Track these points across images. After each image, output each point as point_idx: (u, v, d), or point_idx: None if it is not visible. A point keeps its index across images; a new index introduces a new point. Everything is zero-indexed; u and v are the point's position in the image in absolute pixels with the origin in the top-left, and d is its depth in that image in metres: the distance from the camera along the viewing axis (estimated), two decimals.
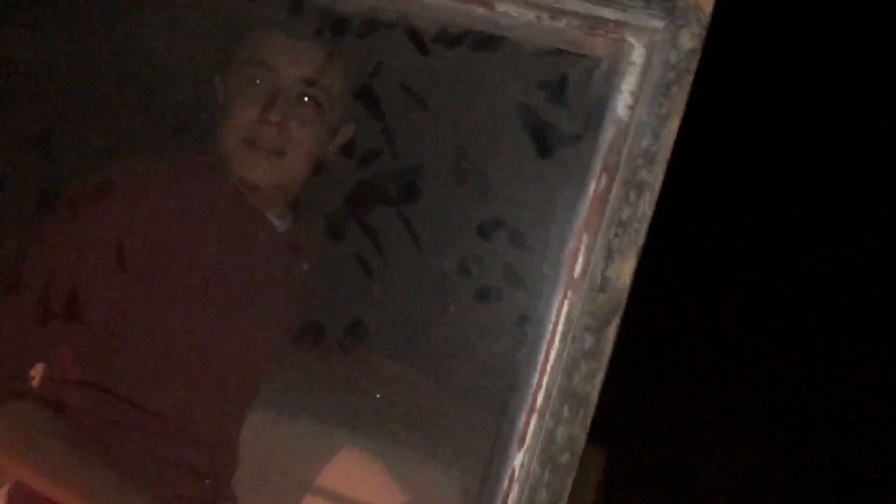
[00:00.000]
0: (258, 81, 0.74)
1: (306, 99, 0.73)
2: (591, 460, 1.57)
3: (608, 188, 0.59)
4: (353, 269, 0.64)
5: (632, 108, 0.58)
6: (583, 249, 0.60)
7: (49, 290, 0.67)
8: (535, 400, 0.60)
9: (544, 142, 0.59)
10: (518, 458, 0.60)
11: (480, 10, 0.62)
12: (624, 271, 0.59)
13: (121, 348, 0.73)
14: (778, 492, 2.58)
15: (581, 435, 0.60)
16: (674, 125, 0.58)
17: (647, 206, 0.59)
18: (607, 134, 0.59)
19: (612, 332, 0.59)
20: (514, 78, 0.59)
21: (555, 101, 0.59)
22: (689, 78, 0.57)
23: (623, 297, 0.59)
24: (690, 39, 0.57)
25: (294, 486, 1.03)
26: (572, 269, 0.60)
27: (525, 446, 0.60)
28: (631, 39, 0.59)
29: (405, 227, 0.62)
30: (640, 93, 0.58)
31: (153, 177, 0.72)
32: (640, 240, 0.58)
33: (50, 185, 0.67)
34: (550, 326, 0.60)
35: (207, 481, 0.80)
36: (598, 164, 0.59)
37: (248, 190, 0.75)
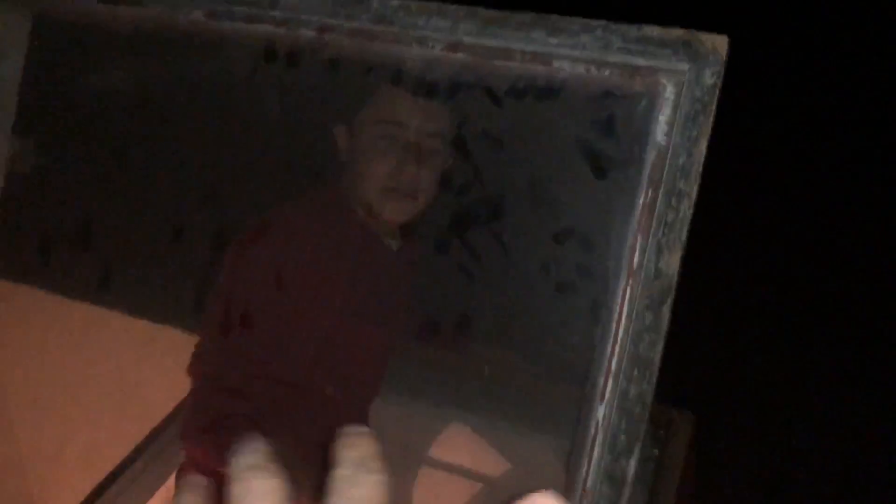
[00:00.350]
0: (393, 137, 0.89)
1: (431, 149, 0.88)
2: (681, 425, 1.69)
3: (654, 198, 0.74)
4: (458, 276, 0.81)
5: (668, 134, 0.73)
6: (638, 247, 0.75)
7: (228, 310, 0.87)
8: (609, 366, 0.76)
9: (600, 167, 0.74)
10: (601, 412, 0.76)
11: (541, 68, 0.77)
12: (672, 262, 0.74)
13: (281, 351, 0.92)
14: (869, 455, 2.63)
15: (648, 390, 0.75)
16: (702, 145, 0.72)
17: (686, 209, 0.73)
18: (650, 156, 0.74)
19: (666, 309, 0.74)
20: (572, 118, 0.74)
21: (606, 134, 0.74)
22: (712, 107, 0.71)
23: (673, 282, 0.74)
24: (711, 77, 0.71)
25: (411, 458, 1.21)
26: (631, 262, 0.75)
27: (605, 402, 0.76)
28: (663, 80, 0.73)
29: (496, 240, 0.78)
30: (674, 122, 0.73)
31: (297, 216, 0.90)
32: (683, 236, 0.73)
33: (221, 230, 0.87)
34: (617, 308, 0.75)
35: None
36: (644, 180, 0.74)
37: (380, 225, 0.92)
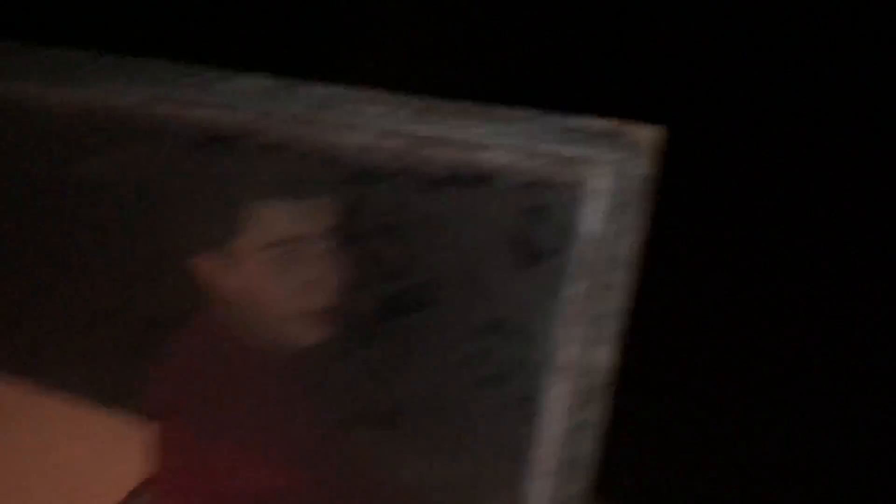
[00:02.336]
0: (289, 257, 0.81)
1: (330, 252, 0.82)
2: None
3: (583, 290, 0.73)
4: (384, 369, 0.79)
5: (597, 225, 0.73)
6: (567, 341, 0.74)
7: (160, 396, 0.85)
8: (539, 466, 0.73)
9: (530, 256, 0.74)
10: None
11: (472, 156, 0.78)
12: (603, 357, 0.72)
13: (205, 445, 0.88)
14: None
15: (582, 493, 0.72)
16: (634, 237, 0.72)
17: (617, 302, 0.73)
18: (579, 246, 0.74)
19: (598, 406, 0.72)
20: (501, 208, 0.74)
21: (535, 223, 0.74)
22: (642, 198, 0.72)
23: (604, 378, 0.72)
24: (640, 167, 0.72)
25: None
26: (560, 357, 0.74)
27: None
28: (591, 171, 0.74)
29: (425, 330, 0.77)
30: (603, 212, 0.73)
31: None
32: (615, 329, 0.72)
33: (154, 315, 0.86)
34: (546, 405, 0.73)
35: None
36: (573, 271, 0.74)
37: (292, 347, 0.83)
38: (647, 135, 0.71)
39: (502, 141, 0.74)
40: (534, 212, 0.73)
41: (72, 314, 0.95)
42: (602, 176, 0.72)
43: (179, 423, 0.88)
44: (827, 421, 3.05)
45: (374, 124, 0.78)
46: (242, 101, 0.81)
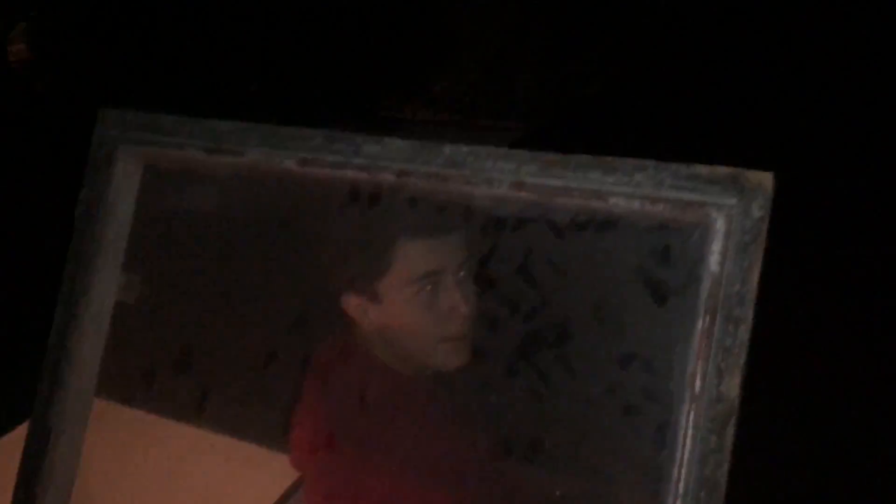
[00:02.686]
0: (428, 288, 0.92)
1: (465, 283, 0.93)
2: None
3: (712, 324, 0.80)
4: (528, 399, 0.88)
5: (721, 263, 0.80)
6: (699, 372, 0.80)
7: (315, 431, 0.96)
8: (677, 488, 0.80)
9: (659, 294, 0.81)
10: None
11: (598, 203, 0.86)
12: (732, 386, 0.79)
13: (365, 469, 0.99)
14: None
15: None
16: (755, 273, 0.78)
17: (743, 334, 0.79)
18: (706, 284, 0.80)
19: (730, 431, 0.78)
20: (630, 249, 0.82)
21: (663, 263, 0.81)
22: (762, 237, 0.78)
23: (735, 405, 0.78)
24: (758, 210, 0.78)
25: None
26: (693, 386, 0.80)
27: None
28: (713, 214, 0.80)
29: (563, 365, 0.86)
30: (726, 252, 0.79)
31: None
32: (742, 360, 0.78)
33: (310, 355, 0.98)
34: (682, 431, 0.80)
35: None
36: (701, 307, 0.80)
37: (433, 372, 0.94)
38: (760, 179, 0.78)
39: (626, 189, 0.81)
40: (661, 253, 0.81)
41: (236, 360, 1.07)
42: (723, 218, 0.78)
43: (330, 452, 0.98)
44: None
45: (506, 178, 0.87)
46: (385, 161, 0.91)
